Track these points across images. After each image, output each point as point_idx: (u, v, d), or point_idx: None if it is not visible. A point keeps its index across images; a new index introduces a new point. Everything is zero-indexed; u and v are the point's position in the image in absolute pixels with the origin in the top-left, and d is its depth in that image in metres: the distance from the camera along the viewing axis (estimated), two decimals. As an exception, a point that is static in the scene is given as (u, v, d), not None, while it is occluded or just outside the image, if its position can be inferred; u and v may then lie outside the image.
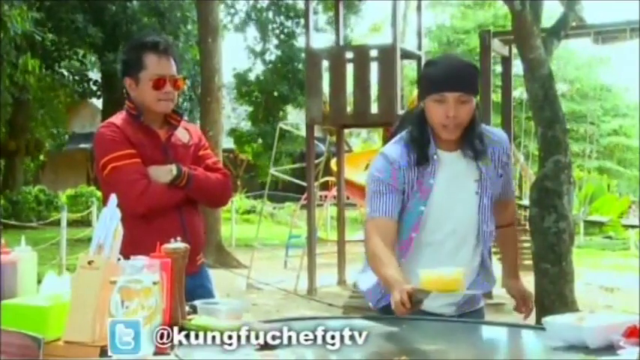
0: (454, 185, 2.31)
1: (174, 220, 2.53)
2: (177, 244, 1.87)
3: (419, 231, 2.29)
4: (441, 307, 2.32)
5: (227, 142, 18.74)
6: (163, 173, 2.55)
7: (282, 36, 19.04)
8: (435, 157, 2.29)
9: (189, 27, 16.70)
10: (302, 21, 17.28)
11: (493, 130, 2.45)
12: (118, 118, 2.62)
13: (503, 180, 2.38)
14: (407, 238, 2.31)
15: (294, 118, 19.33)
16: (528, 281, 7.89)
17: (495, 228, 2.39)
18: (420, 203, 2.28)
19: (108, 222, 1.79)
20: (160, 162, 2.57)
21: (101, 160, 2.54)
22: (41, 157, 21.12)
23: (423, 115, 2.29)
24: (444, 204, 2.30)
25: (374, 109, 9.27)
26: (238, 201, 19.97)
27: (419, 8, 10.64)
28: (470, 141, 2.30)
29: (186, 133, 2.70)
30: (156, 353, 1.62)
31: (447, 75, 2.22)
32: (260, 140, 18.94)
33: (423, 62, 10.11)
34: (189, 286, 2.16)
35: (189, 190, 2.59)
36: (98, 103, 20.49)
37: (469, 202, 2.31)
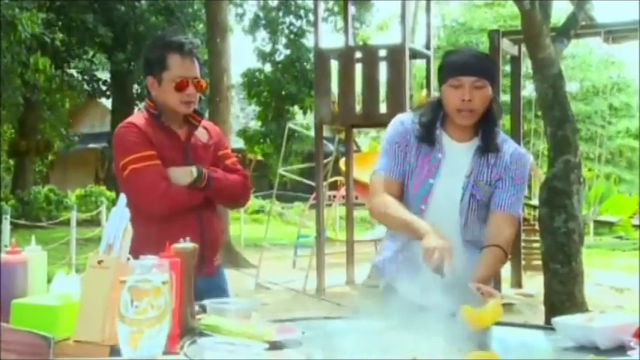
0: (451, 174, 2.38)
1: (192, 221, 2.53)
2: (186, 244, 1.87)
3: (428, 203, 2.37)
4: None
5: (236, 142, 18.75)
6: (183, 175, 2.54)
7: (291, 36, 19.04)
8: (439, 136, 2.37)
9: (198, 26, 16.71)
10: (312, 20, 17.26)
11: (516, 146, 2.46)
12: (137, 118, 2.61)
13: (501, 191, 2.37)
14: (417, 210, 2.37)
15: (303, 117, 19.34)
16: (538, 281, 7.87)
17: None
18: (429, 176, 2.37)
19: (117, 221, 1.80)
20: (179, 163, 2.56)
21: (121, 161, 2.53)
22: (50, 157, 21.17)
23: (437, 103, 2.40)
24: (444, 186, 2.37)
25: (383, 108, 9.25)
26: (247, 200, 19.88)
27: (428, 7, 10.62)
28: (484, 131, 2.37)
29: (205, 132, 2.70)
30: (165, 353, 1.62)
31: (464, 61, 2.34)
32: (269, 140, 18.94)
33: (431, 62, 10.10)
34: (206, 288, 2.16)
35: (209, 192, 2.58)
36: (107, 103, 20.55)
37: (456, 195, 2.37)
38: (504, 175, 2.37)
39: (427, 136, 2.38)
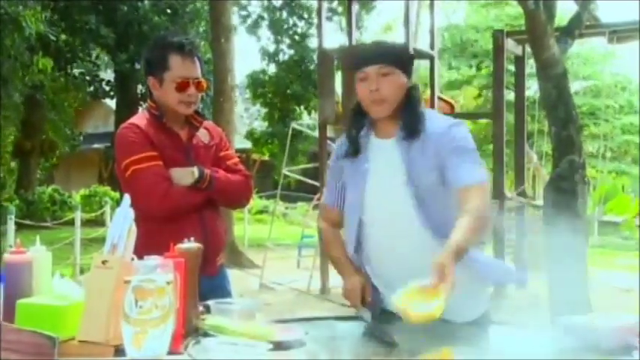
0: (386, 173, 2.26)
1: (194, 221, 2.52)
2: (191, 244, 1.88)
3: (366, 213, 2.28)
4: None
5: (241, 143, 18.78)
6: (185, 175, 2.54)
7: (295, 36, 19.05)
8: (366, 140, 2.30)
9: (202, 26, 16.73)
10: (315, 21, 17.27)
11: (446, 119, 2.28)
12: (139, 119, 2.62)
13: (452, 170, 2.16)
14: (358, 223, 2.29)
15: (309, 117, 19.34)
16: (541, 281, 7.86)
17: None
18: (360, 188, 2.28)
19: (122, 222, 1.80)
20: (181, 163, 2.56)
21: (122, 161, 2.53)
22: (54, 159, 21.20)
23: (358, 107, 2.32)
24: (378, 190, 2.26)
25: (386, 109, 9.23)
26: (251, 201, 19.89)
27: (431, 8, 10.61)
28: (403, 119, 2.23)
29: (207, 133, 2.70)
30: (169, 352, 1.63)
31: (365, 52, 2.29)
32: (276, 140, 19.01)
33: (436, 62, 10.09)
34: (209, 288, 2.16)
35: (211, 192, 2.58)
36: (111, 103, 20.58)
37: (400, 194, 2.20)
38: (443, 153, 2.17)
39: (354, 148, 2.30)
